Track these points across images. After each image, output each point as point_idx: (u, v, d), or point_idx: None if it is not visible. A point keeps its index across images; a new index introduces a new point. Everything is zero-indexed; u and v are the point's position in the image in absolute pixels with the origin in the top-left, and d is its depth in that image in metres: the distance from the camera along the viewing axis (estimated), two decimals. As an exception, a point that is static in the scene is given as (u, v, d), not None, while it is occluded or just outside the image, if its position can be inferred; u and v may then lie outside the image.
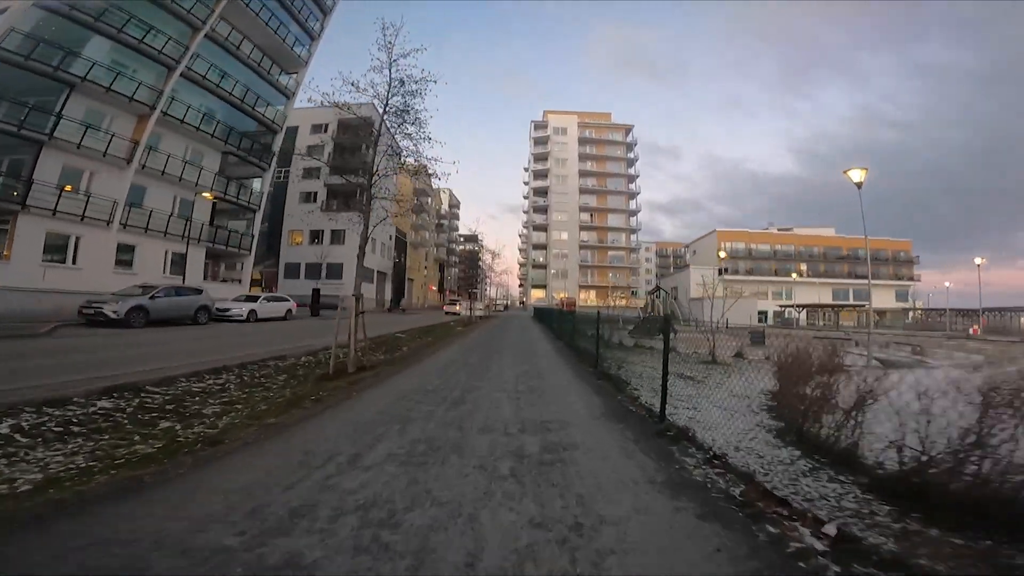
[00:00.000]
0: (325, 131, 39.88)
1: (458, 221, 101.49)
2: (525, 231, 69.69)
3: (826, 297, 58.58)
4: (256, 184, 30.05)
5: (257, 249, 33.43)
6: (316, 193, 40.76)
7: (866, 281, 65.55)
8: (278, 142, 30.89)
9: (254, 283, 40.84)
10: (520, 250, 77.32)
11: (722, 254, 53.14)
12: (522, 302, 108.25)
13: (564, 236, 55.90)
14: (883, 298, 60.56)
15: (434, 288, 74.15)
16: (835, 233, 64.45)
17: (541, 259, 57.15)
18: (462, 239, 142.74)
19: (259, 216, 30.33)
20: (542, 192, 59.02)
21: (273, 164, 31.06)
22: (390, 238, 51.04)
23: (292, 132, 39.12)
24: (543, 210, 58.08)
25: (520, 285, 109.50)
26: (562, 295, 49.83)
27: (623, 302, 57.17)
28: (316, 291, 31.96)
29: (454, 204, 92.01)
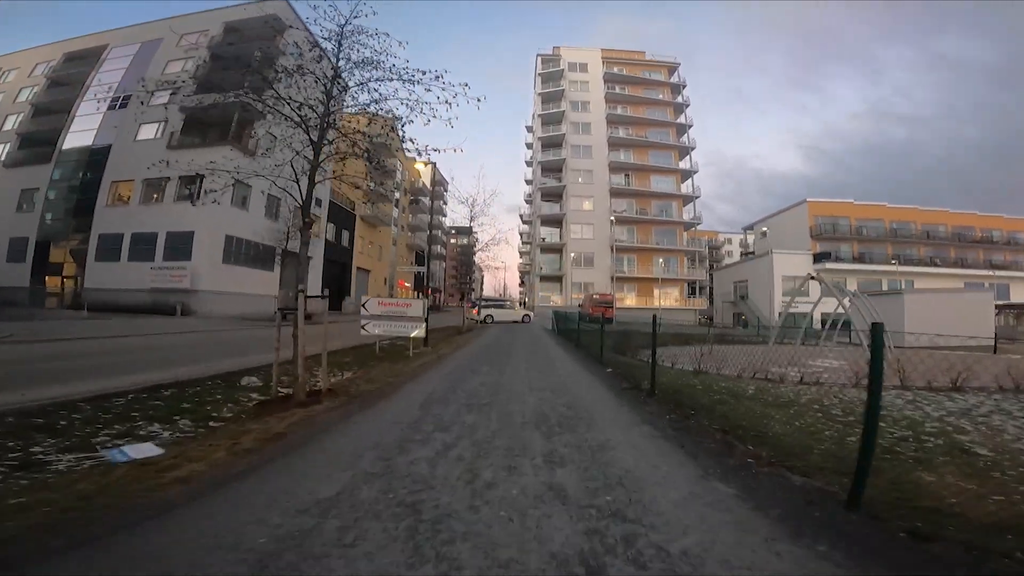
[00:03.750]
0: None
1: (445, 205, 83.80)
2: (529, 202, 51.63)
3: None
4: None
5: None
6: (164, 124, 26.29)
7: (1012, 273, 47.23)
8: None
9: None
10: (522, 253, 59.27)
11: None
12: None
13: (587, 205, 38.02)
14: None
15: (407, 285, 56.08)
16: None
17: (553, 237, 38.95)
18: (453, 231, 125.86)
19: None
20: (554, 143, 41.17)
21: None
22: (317, 203, 32.28)
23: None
24: (555, 169, 40.08)
25: (521, 284, 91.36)
26: (591, 292, 31.93)
27: (675, 300, 38.49)
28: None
29: (440, 182, 74.08)
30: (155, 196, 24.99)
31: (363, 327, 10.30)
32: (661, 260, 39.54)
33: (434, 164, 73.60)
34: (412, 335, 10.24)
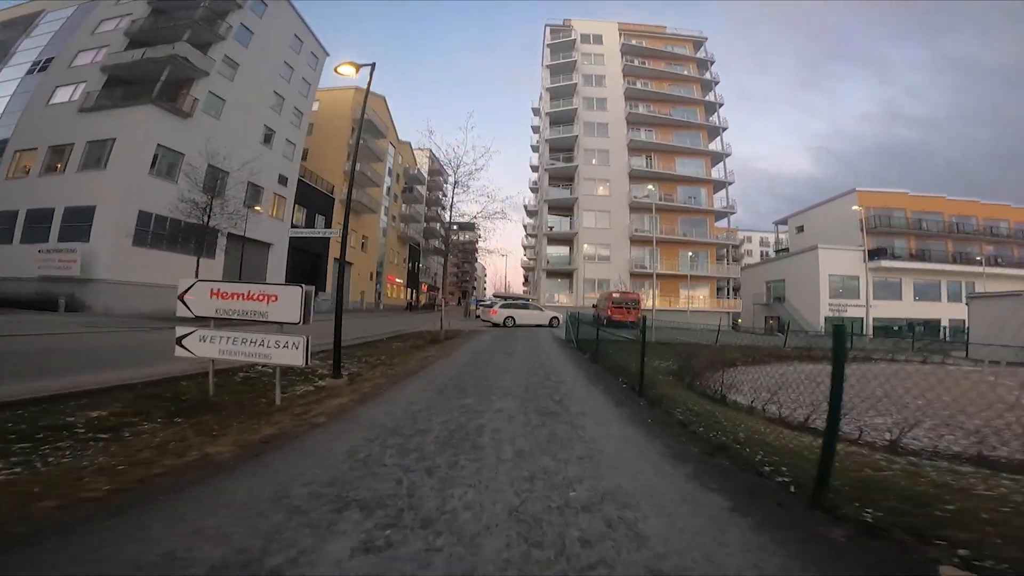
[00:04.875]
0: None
1: (445, 197, 78.34)
2: (535, 190, 46.15)
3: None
4: None
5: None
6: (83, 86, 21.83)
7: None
8: None
9: None
10: (526, 247, 53.89)
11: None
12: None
13: (602, 190, 32.43)
14: None
15: (398, 281, 50.73)
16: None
17: (563, 226, 33.36)
18: (456, 227, 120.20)
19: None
20: (564, 120, 35.76)
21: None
22: (282, 181, 27.23)
23: None
24: (566, 148, 34.53)
25: (525, 282, 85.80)
26: (610, 291, 26.53)
27: (704, 301, 32.80)
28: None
29: (440, 172, 68.44)
30: (57, 166, 19.69)
31: (181, 343, 4.80)
32: (690, 254, 33.78)
33: (431, 152, 68.44)
34: (280, 362, 4.72)
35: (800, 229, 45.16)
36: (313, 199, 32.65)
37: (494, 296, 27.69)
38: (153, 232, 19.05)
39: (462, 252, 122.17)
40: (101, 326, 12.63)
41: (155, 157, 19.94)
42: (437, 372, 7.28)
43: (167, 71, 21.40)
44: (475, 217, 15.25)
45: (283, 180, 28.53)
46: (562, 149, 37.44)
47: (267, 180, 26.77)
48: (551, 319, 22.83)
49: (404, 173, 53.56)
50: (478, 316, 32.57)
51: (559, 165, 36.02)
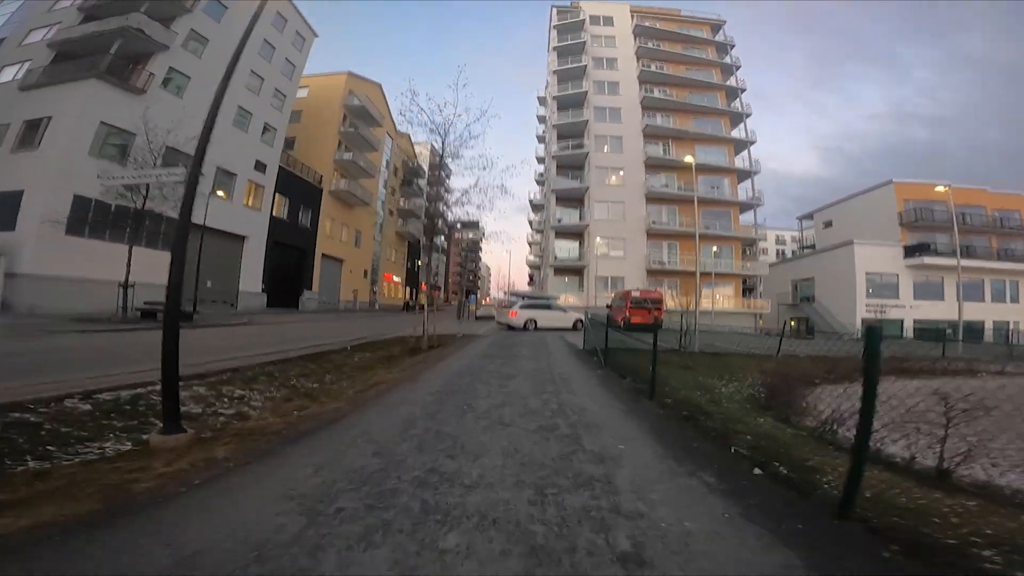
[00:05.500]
0: None
1: (448, 194, 75.42)
2: (541, 183, 43.35)
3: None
4: None
5: None
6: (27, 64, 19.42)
7: None
8: None
9: None
10: (532, 244, 51.25)
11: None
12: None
13: (615, 179, 29.47)
14: None
15: (395, 280, 48.06)
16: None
17: (572, 218, 30.48)
18: (459, 224, 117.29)
19: None
20: (573, 104, 32.97)
21: None
22: (259, 168, 24.49)
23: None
24: (575, 135, 31.64)
25: (530, 282, 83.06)
26: (628, 289, 23.48)
27: (729, 302, 29.72)
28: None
29: (443, 167, 65.56)
30: (-11, 149, 17.04)
31: None
32: (715, 248, 30.60)
33: (432, 144, 65.55)
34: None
35: (828, 224, 41.84)
36: (298, 189, 29.94)
37: (512, 295, 24.06)
38: (93, 220, 16.27)
39: (465, 251, 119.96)
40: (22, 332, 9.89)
41: (99, 136, 17.26)
42: (372, 424, 4.37)
43: (117, 45, 18.75)
44: (467, 192, 12.34)
45: (261, 167, 25.76)
46: (571, 136, 34.39)
47: (241, 165, 24.05)
48: (575, 322, 19.93)
49: (403, 166, 50.75)
50: (477, 317, 29.73)
51: (568, 152, 32.93)
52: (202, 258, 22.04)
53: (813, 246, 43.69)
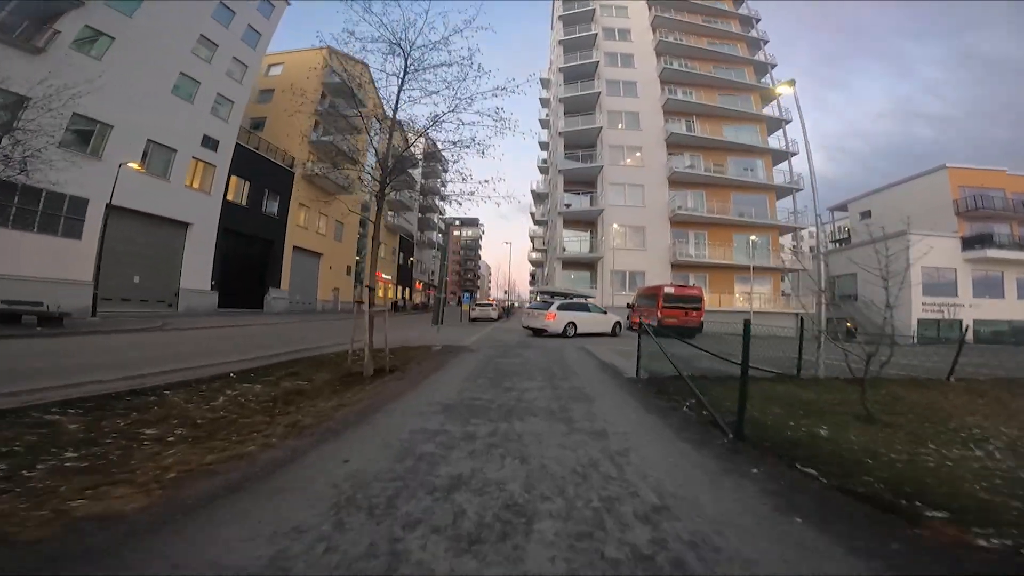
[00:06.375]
0: None
1: (444, 187, 71.27)
2: (545, 171, 39.33)
3: None
4: None
5: None
6: None
7: None
8: None
9: None
10: (533, 238, 47.23)
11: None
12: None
13: (631, 160, 25.17)
14: None
15: (385, 277, 43.80)
16: None
17: (581, 203, 26.35)
18: (458, 222, 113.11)
19: None
20: (582, 75, 28.96)
21: None
22: (209, 144, 19.93)
23: None
24: (585, 109, 27.51)
25: (532, 280, 79.00)
26: (658, 285, 18.61)
27: (768, 301, 25.45)
28: None
29: (432, 156, 61.36)
30: None
31: None
32: (754, 238, 26.26)
33: (426, 132, 61.13)
34: None
35: (866, 215, 37.58)
36: (263, 171, 25.66)
37: (540, 293, 19.00)
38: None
39: (464, 249, 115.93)
40: None
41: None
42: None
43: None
44: (439, 120, 8.15)
45: (211, 143, 21.49)
46: (580, 110, 30.12)
47: (183, 140, 19.85)
48: (614, 325, 16.22)
49: (391, 152, 46.42)
50: (472, 319, 25.48)
51: (577, 129, 28.64)
52: (126, 247, 17.90)
53: (848, 239, 39.47)
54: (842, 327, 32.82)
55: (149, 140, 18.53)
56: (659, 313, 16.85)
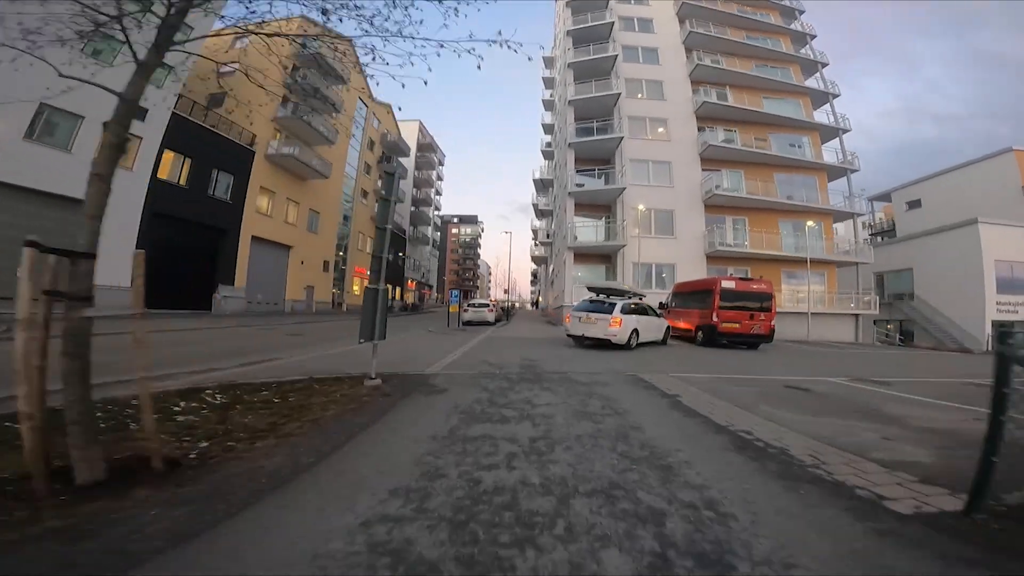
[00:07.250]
0: None
1: (440, 181, 67.07)
2: (549, 157, 35.24)
3: None
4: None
5: None
6: None
7: None
8: None
9: None
10: (535, 231, 43.08)
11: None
12: (536, 304, 74.89)
13: (653, 135, 20.79)
14: None
15: (368, 274, 38.92)
16: None
17: (595, 184, 21.97)
18: (456, 219, 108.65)
19: None
20: (594, 37, 24.80)
21: None
22: (140, 116, 13.91)
23: None
24: (598, 73, 23.22)
25: (534, 279, 75.00)
26: (716, 279, 13.47)
27: (823, 302, 20.55)
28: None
29: (427, 146, 57.56)
30: None
31: None
32: (811, 223, 21.89)
33: (419, 121, 56.94)
34: None
35: (914, 204, 33.34)
36: (212, 148, 21.24)
37: (593, 293, 13.75)
38: None
39: (463, 247, 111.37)
40: None
41: None
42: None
43: None
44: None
45: (135, 110, 17.23)
46: (593, 74, 25.71)
47: (93, 105, 15.56)
48: (665, 331, 13.05)
49: (381, 140, 42.12)
50: (468, 323, 21.13)
51: (589, 96, 24.16)
52: (5, 232, 13.71)
53: (893, 231, 35.20)
54: (895, 331, 28.67)
55: (43, 103, 14.34)
56: (715, 316, 12.62)
